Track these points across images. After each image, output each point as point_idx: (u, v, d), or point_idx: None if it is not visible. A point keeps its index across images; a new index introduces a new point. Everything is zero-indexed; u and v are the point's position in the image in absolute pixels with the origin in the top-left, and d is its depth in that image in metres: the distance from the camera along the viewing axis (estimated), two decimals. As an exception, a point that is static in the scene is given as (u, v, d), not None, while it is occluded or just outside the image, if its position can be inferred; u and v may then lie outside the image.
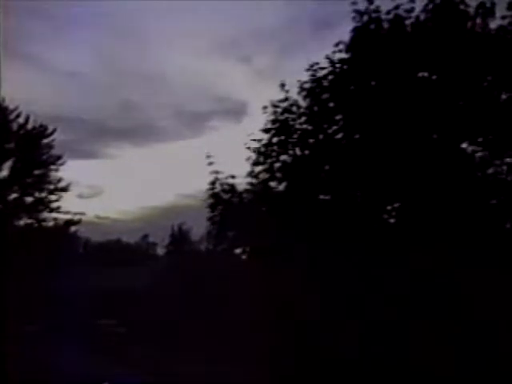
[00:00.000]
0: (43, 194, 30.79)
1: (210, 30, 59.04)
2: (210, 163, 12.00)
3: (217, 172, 11.99)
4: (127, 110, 62.57)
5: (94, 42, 60.75)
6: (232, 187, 12.07)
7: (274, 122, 11.68)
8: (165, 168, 74.13)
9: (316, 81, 11.51)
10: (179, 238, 45.64)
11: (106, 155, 68.15)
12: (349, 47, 11.48)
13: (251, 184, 11.98)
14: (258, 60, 64.64)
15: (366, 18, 11.31)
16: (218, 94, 64.15)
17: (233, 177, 12.03)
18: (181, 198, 71.51)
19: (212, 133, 68.14)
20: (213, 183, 12.05)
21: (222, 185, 12.03)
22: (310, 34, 52.53)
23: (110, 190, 78.36)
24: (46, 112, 55.49)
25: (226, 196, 12.04)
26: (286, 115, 11.63)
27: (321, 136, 11.39)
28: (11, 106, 30.00)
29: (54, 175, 31.11)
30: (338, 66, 11.43)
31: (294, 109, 11.65)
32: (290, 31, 54.40)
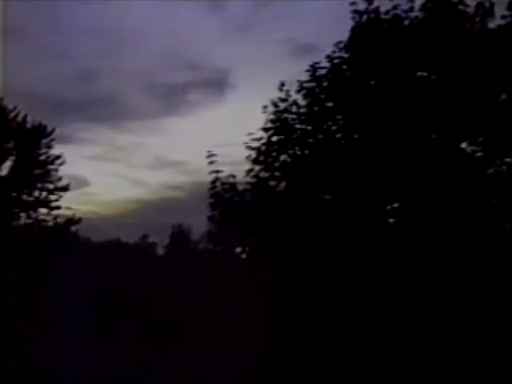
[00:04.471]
0: (43, 194, 30.78)
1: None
2: (211, 162, 11.99)
3: (217, 171, 11.98)
4: (87, 81, 52.01)
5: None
6: (232, 186, 12.06)
7: (273, 121, 11.68)
8: (143, 154, 66.35)
9: (315, 80, 11.52)
10: (179, 237, 45.53)
11: (74, 139, 57.48)
12: (348, 47, 11.53)
13: (251, 182, 11.97)
14: (233, 8, 53.15)
15: (365, 17, 11.37)
16: (193, 58, 55.07)
17: (233, 176, 12.05)
18: (167, 190, 62.46)
19: (192, 109, 60.03)
20: (213, 182, 12.04)
21: (222, 184, 12.03)
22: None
23: (92, 181, 69.51)
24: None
25: (226, 195, 12.04)
26: (286, 115, 11.63)
27: (320, 136, 11.41)
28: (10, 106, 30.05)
29: (53, 174, 31.12)
30: (337, 65, 11.46)
31: (294, 109, 11.65)
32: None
